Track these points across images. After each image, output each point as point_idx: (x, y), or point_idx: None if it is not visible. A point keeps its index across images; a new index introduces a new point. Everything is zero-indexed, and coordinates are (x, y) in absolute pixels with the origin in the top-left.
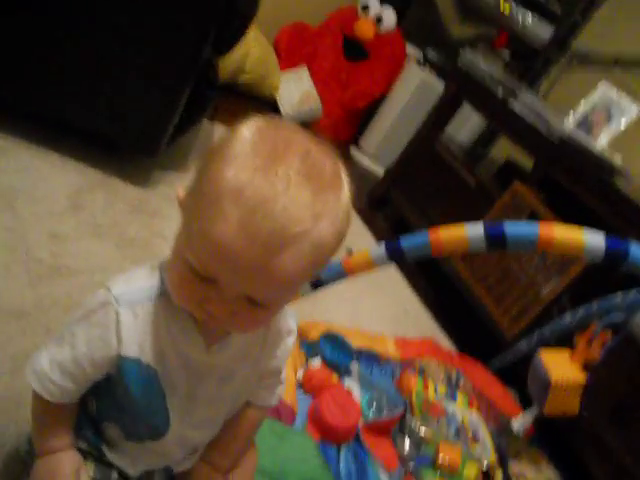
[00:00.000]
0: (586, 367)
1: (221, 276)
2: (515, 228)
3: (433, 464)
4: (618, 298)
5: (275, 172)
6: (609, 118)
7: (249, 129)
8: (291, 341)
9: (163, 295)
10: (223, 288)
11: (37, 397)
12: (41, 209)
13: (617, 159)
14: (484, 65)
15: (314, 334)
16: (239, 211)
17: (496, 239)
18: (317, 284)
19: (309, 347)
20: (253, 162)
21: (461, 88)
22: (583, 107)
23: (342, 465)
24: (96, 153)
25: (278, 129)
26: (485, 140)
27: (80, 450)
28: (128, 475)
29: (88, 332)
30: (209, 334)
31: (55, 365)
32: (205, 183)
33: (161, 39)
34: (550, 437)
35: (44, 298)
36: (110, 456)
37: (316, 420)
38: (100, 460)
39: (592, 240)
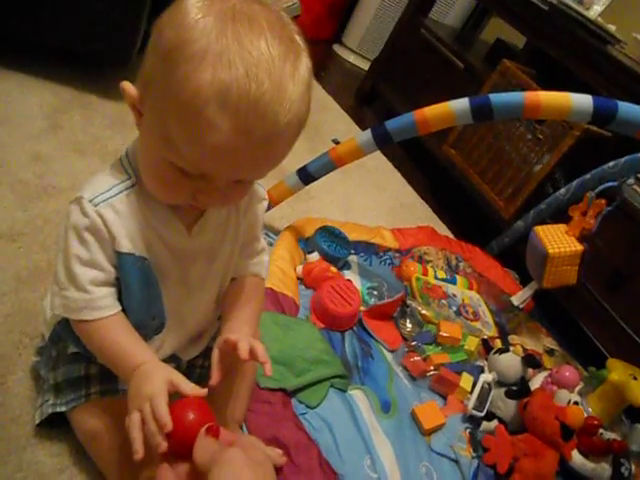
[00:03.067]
0: (582, 238)
1: (216, 172)
2: (500, 97)
3: (435, 340)
4: (610, 166)
5: (252, 59)
6: None
7: (201, 12)
8: (263, 207)
9: (134, 187)
10: (216, 180)
11: (84, 329)
12: (20, 132)
13: (611, 27)
14: None
15: (310, 230)
16: (230, 118)
17: (482, 109)
18: (307, 178)
19: (306, 243)
20: (226, 54)
21: None
22: None
23: (347, 347)
24: (68, 71)
25: (225, 1)
26: (475, 22)
27: (83, 355)
28: None
29: (86, 244)
30: (186, 218)
31: (77, 281)
32: (179, 89)
33: None
34: (549, 309)
35: (36, 218)
36: None
37: (318, 310)
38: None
39: (579, 101)
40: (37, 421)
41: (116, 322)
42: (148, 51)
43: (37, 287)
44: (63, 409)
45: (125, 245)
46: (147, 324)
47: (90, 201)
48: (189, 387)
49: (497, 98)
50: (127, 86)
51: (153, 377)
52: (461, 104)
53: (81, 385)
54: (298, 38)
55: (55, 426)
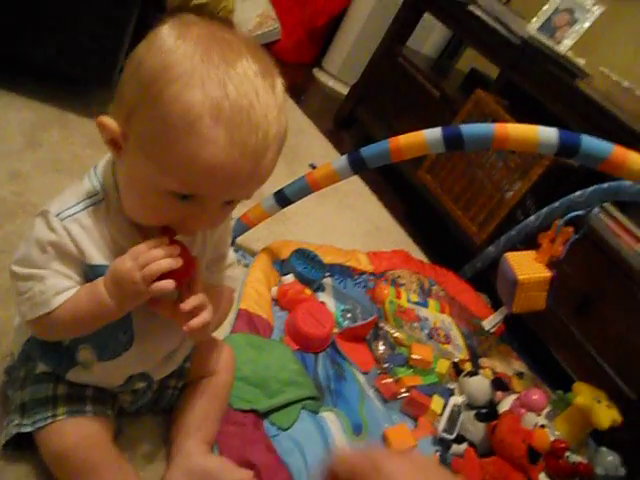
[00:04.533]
0: (551, 264)
1: (209, 191)
2: (471, 128)
3: (407, 362)
4: (578, 195)
5: (239, 77)
6: (572, 20)
7: (180, 38)
8: (230, 225)
9: (101, 203)
10: (208, 201)
11: (57, 317)
12: None
13: (580, 61)
14: None
15: (285, 252)
16: (224, 130)
17: (453, 139)
18: (284, 201)
19: (282, 265)
20: (214, 74)
21: None
22: (546, 10)
23: (320, 369)
24: (48, 89)
25: (199, 26)
26: (451, 52)
27: (52, 375)
28: (105, 389)
29: (47, 255)
30: (150, 236)
31: (37, 277)
32: (169, 110)
33: None
34: (519, 333)
35: (11, 235)
36: (83, 378)
37: (292, 331)
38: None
39: (545, 134)
40: (2, 442)
41: (74, 294)
42: (125, 85)
43: (9, 305)
44: (29, 429)
45: (96, 258)
46: (118, 338)
47: (57, 215)
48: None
49: (468, 129)
50: (107, 120)
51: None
52: (434, 134)
53: (48, 405)
54: (269, 59)
55: (23, 448)
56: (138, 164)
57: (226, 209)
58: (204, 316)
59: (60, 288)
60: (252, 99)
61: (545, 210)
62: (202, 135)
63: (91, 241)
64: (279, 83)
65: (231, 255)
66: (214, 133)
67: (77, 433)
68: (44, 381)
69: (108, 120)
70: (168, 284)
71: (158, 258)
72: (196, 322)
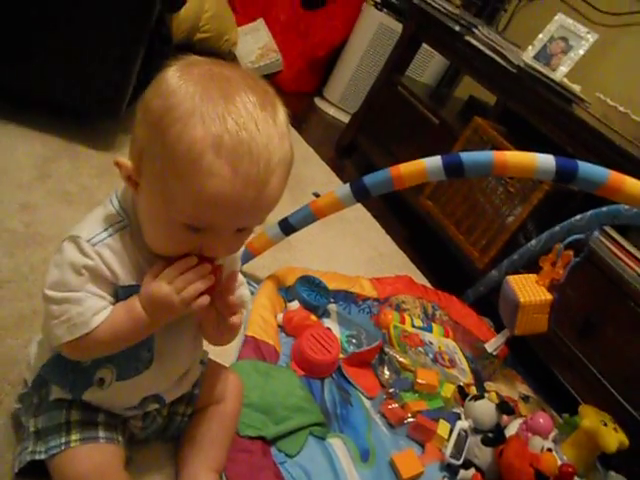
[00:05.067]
0: (552, 287)
1: (218, 221)
2: (471, 156)
3: (412, 387)
4: (577, 219)
5: (238, 111)
6: (567, 48)
7: (181, 79)
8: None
9: (126, 229)
10: (220, 230)
11: (95, 338)
12: (8, 180)
13: (576, 88)
14: (440, 2)
15: (291, 279)
16: (226, 162)
17: (453, 167)
18: (289, 229)
19: (287, 292)
20: (213, 110)
21: (419, 27)
22: (541, 39)
23: (326, 395)
24: (58, 122)
25: (200, 66)
26: (448, 80)
27: (65, 401)
28: (119, 414)
29: (82, 277)
30: (169, 261)
31: (73, 299)
32: (173, 148)
33: (111, 1)
34: (523, 356)
35: (21, 266)
36: (99, 397)
37: (298, 357)
38: (86, 406)
39: (543, 161)
40: (16, 470)
41: (111, 312)
42: (137, 126)
43: (21, 335)
44: (42, 457)
45: (127, 279)
46: (141, 355)
47: (88, 241)
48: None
49: (468, 157)
50: (122, 161)
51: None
52: (434, 162)
53: (61, 432)
54: (270, 89)
55: (36, 475)
56: (152, 199)
57: (240, 236)
58: (240, 316)
59: (97, 308)
60: (252, 130)
61: (546, 234)
62: (206, 169)
63: (121, 264)
64: (281, 112)
65: (240, 276)
66: (217, 166)
67: (90, 460)
68: (57, 408)
69: (123, 160)
70: (205, 300)
71: (193, 281)
72: (238, 318)
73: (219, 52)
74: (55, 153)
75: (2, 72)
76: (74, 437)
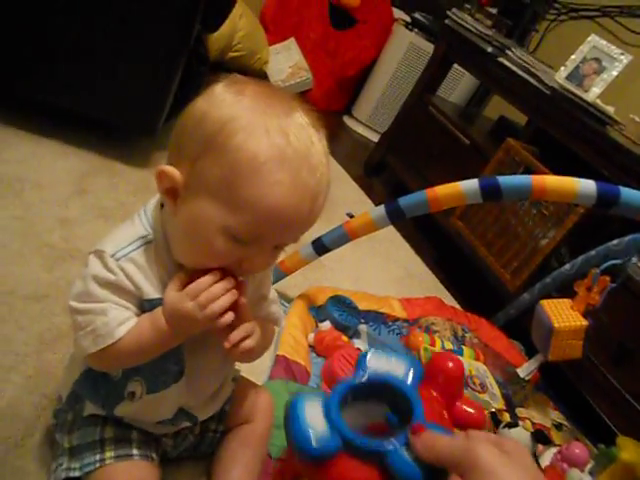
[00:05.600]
0: (587, 313)
1: (269, 234)
2: (509, 180)
3: None
4: (615, 244)
5: (297, 127)
6: (600, 69)
7: (237, 94)
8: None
9: (151, 243)
10: (264, 244)
11: (119, 349)
12: (48, 196)
13: (609, 109)
14: (472, 23)
15: (321, 299)
16: (287, 173)
17: (491, 191)
18: (322, 249)
19: (318, 312)
20: (276, 122)
21: (450, 47)
22: (573, 60)
23: None
24: (95, 138)
25: (250, 85)
26: (478, 100)
27: (99, 417)
28: (153, 433)
29: (105, 293)
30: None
31: (98, 310)
32: (236, 156)
33: (151, 19)
34: (555, 382)
35: (59, 280)
36: (131, 411)
37: (329, 378)
38: (120, 423)
39: (584, 185)
40: None
41: (136, 323)
42: (186, 136)
43: (58, 349)
44: (77, 474)
45: (151, 293)
46: (169, 369)
47: (112, 256)
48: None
49: (506, 180)
50: (170, 170)
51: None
52: (471, 185)
53: (96, 449)
54: (312, 112)
55: None
56: (200, 209)
57: (275, 253)
58: (250, 342)
59: (122, 319)
60: (309, 146)
61: (581, 258)
62: (268, 178)
63: (145, 278)
64: (323, 135)
65: (273, 293)
66: (279, 176)
67: (125, 477)
68: (91, 424)
69: (170, 168)
70: (229, 318)
71: (217, 296)
72: (252, 341)
73: (250, 70)
74: (93, 169)
75: (42, 88)
76: (108, 454)
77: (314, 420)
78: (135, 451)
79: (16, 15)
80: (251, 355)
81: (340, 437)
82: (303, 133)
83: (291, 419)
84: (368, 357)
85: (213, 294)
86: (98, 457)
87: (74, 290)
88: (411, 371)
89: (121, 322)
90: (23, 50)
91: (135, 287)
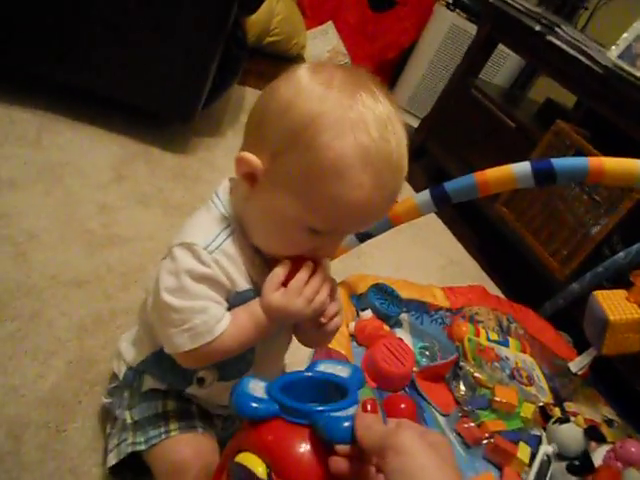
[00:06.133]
0: None
1: (346, 227)
2: (564, 162)
3: (489, 406)
4: None
5: (382, 122)
6: None
7: (324, 84)
8: None
9: (234, 233)
10: (338, 235)
11: (216, 346)
12: (88, 182)
13: None
14: (518, 0)
15: (362, 287)
16: (369, 175)
17: (544, 174)
18: (364, 236)
19: (358, 300)
20: (362, 120)
21: (495, 27)
22: (626, 38)
23: None
24: (134, 125)
25: (337, 72)
26: (523, 82)
27: (160, 392)
28: (208, 410)
29: (201, 286)
30: (271, 265)
31: (197, 308)
32: (322, 156)
33: (190, 4)
34: (605, 376)
35: (100, 266)
36: (197, 394)
37: (371, 368)
38: (180, 396)
39: None
40: (113, 462)
41: (233, 319)
42: (269, 124)
43: (99, 335)
44: (142, 447)
45: (243, 284)
46: (246, 357)
47: (205, 248)
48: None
49: (560, 163)
50: (250, 157)
51: (262, 302)
52: (523, 168)
53: (160, 422)
54: (392, 96)
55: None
56: (279, 200)
57: (344, 237)
58: (339, 319)
59: (220, 316)
60: (392, 143)
61: (636, 247)
62: (351, 180)
63: (237, 269)
64: (403, 122)
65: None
66: (361, 178)
67: (191, 448)
68: (153, 399)
69: (252, 157)
70: (340, 322)
71: (318, 288)
72: (339, 320)
73: (288, 55)
74: (131, 155)
75: (81, 74)
76: (173, 426)
77: (255, 390)
78: (199, 423)
79: (53, 1)
80: (335, 333)
81: (277, 404)
82: (389, 129)
83: (234, 390)
84: (319, 366)
85: (315, 288)
86: (163, 429)
87: (165, 285)
88: (353, 373)
89: (219, 319)
90: (60, 36)
91: (229, 280)
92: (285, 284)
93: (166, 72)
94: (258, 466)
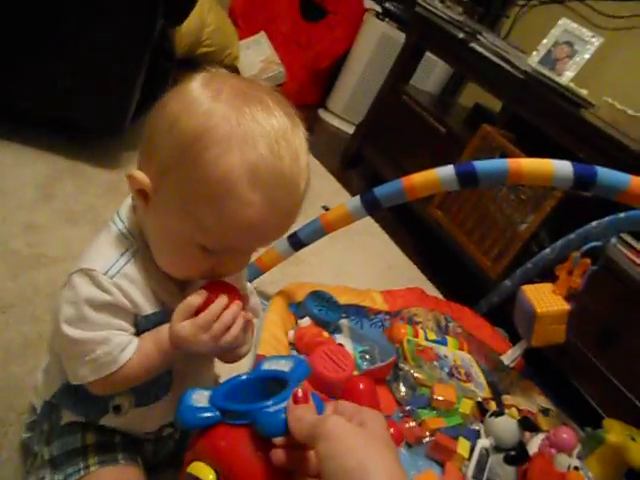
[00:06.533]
0: (569, 296)
1: (240, 245)
2: (485, 164)
3: (429, 404)
4: (594, 226)
5: (274, 137)
6: (572, 52)
7: (214, 99)
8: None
9: (137, 253)
10: (237, 253)
11: (120, 375)
12: (11, 201)
13: (583, 92)
14: (442, 9)
15: (301, 295)
16: (261, 193)
17: (467, 177)
18: (298, 244)
19: (297, 308)
20: (251, 136)
21: (422, 35)
22: (545, 44)
23: None
24: (61, 141)
25: (228, 83)
26: (452, 88)
27: (79, 424)
28: (135, 437)
29: (103, 315)
30: (178, 281)
31: (99, 339)
32: (208, 173)
33: (112, 16)
34: (540, 367)
35: (26, 288)
36: (115, 423)
37: (311, 376)
38: (101, 428)
39: (560, 168)
40: None
41: (137, 342)
42: (157, 140)
43: (26, 360)
44: None
45: (147, 308)
46: (162, 379)
47: (105, 274)
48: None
49: (482, 165)
50: (138, 175)
51: (170, 329)
52: (447, 171)
53: (79, 457)
54: (292, 109)
55: None
56: (170, 219)
57: (248, 256)
58: (247, 348)
59: (124, 344)
60: (285, 160)
61: (561, 242)
62: (240, 198)
63: (140, 293)
64: (303, 134)
65: (248, 286)
66: (251, 197)
67: None
68: (72, 432)
69: (139, 175)
70: (246, 351)
71: (229, 324)
72: (243, 350)
73: (221, 66)
74: (59, 172)
75: (3, 91)
76: (92, 461)
77: (198, 400)
78: (120, 455)
79: None
80: (242, 357)
81: (219, 410)
82: (281, 144)
83: (178, 403)
84: (264, 365)
85: (226, 325)
86: (82, 465)
87: (65, 316)
88: (295, 366)
89: (123, 347)
90: None
91: (132, 305)
92: (198, 313)
93: (90, 86)
94: (208, 474)
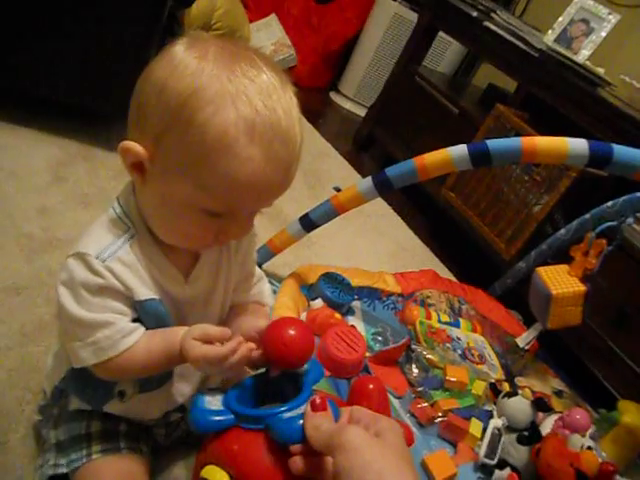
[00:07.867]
0: (585, 278)
1: (242, 205)
2: (498, 143)
3: (442, 385)
4: (609, 206)
5: (265, 93)
6: (588, 30)
7: (200, 59)
8: (254, 242)
9: (134, 237)
10: (240, 214)
11: (121, 361)
12: (25, 185)
13: (599, 70)
14: None
15: (313, 277)
16: (259, 148)
17: (480, 156)
18: (310, 226)
19: (309, 290)
20: (243, 92)
21: (435, 15)
22: (561, 22)
23: None
24: (73, 125)
25: (213, 44)
26: (466, 68)
27: (85, 412)
28: (141, 423)
29: (99, 297)
30: (181, 266)
31: (99, 321)
32: (203, 133)
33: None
34: (554, 349)
35: (40, 271)
36: (119, 410)
37: (324, 357)
38: (107, 416)
39: (575, 145)
40: None
41: (146, 334)
42: (147, 108)
43: (41, 341)
44: (64, 470)
45: (143, 293)
46: (155, 377)
47: (97, 257)
48: (214, 330)
49: (495, 144)
50: (131, 145)
51: (183, 340)
52: (459, 150)
53: (82, 444)
54: (281, 69)
55: None
56: (171, 185)
57: (250, 219)
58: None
59: (127, 330)
60: (279, 113)
61: (576, 223)
62: (239, 155)
63: (135, 277)
64: (292, 90)
65: (258, 271)
66: (249, 151)
67: (113, 471)
68: (77, 419)
69: (133, 144)
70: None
71: (243, 362)
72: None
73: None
74: (71, 156)
75: (15, 76)
76: (95, 448)
77: (211, 404)
78: (123, 444)
79: None
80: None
81: (233, 414)
82: (273, 99)
83: (191, 408)
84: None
85: (232, 364)
86: (85, 452)
87: (64, 299)
88: (310, 367)
89: (126, 334)
90: None
91: (125, 288)
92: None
93: (102, 69)
94: (222, 478)
